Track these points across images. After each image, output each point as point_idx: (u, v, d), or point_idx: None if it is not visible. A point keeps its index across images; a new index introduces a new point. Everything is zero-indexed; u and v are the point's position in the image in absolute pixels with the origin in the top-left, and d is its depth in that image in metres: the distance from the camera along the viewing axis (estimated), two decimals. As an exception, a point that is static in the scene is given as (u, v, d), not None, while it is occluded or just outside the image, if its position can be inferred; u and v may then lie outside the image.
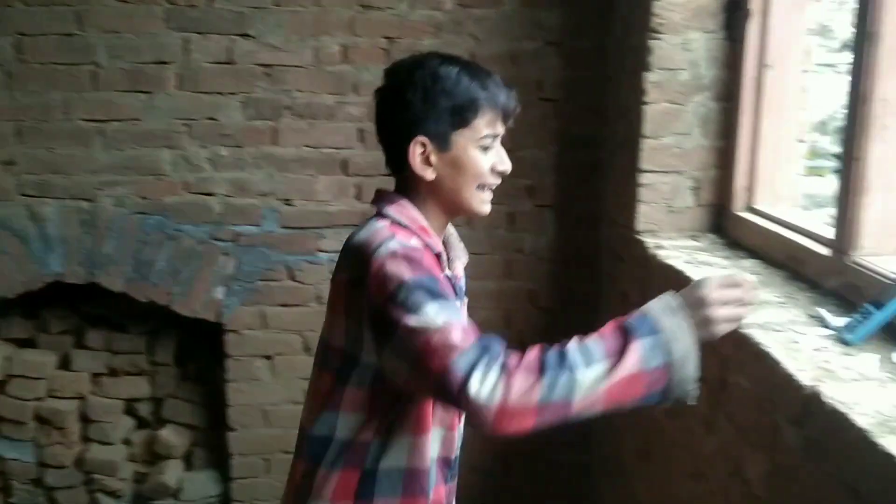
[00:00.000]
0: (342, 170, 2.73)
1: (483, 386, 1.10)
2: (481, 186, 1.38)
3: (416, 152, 1.34)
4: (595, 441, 2.77)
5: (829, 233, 1.74)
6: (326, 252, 2.76)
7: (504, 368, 1.12)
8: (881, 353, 1.37)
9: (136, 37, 2.59)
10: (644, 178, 2.27)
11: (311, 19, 2.62)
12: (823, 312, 1.56)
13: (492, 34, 2.67)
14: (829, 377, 1.29)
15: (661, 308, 1.21)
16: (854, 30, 1.63)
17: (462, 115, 1.34)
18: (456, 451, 1.46)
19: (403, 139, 1.34)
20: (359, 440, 1.34)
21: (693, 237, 2.27)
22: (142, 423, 3.10)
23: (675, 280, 1.95)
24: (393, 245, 1.26)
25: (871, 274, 1.55)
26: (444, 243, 1.45)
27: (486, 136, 1.35)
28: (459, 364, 1.11)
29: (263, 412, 2.86)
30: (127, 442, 3.07)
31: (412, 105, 1.33)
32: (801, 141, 2.32)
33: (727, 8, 2.18)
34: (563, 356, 1.15)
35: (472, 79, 1.34)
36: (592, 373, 1.14)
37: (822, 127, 6.32)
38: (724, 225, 2.27)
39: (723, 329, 1.23)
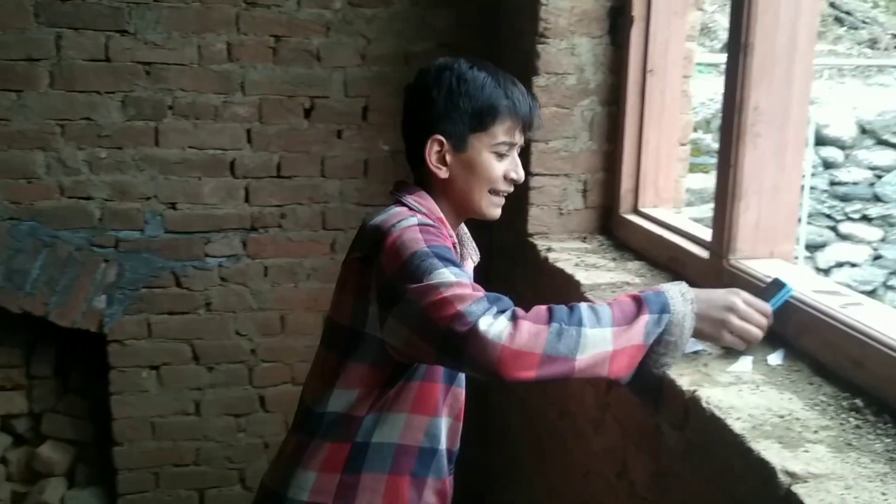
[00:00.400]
0: (230, 171, 2.64)
1: (492, 326, 1.15)
2: (493, 191, 1.44)
3: (432, 149, 1.40)
4: (494, 440, 2.79)
5: (708, 235, 1.79)
6: (215, 257, 2.67)
7: (514, 314, 1.18)
8: (755, 356, 1.42)
9: (3, 32, 2.43)
10: (534, 182, 2.30)
11: (194, 15, 2.52)
12: (703, 315, 1.61)
13: (383, 34, 2.64)
14: (707, 381, 1.33)
15: (677, 292, 1.28)
16: (728, 40, 1.69)
17: (481, 119, 1.40)
18: (458, 444, 1.52)
19: (423, 135, 1.41)
20: (354, 414, 1.38)
21: (582, 239, 2.31)
22: (19, 440, 2.93)
23: (565, 282, 1.98)
24: (412, 220, 1.33)
25: (747, 277, 1.61)
26: (458, 240, 1.50)
27: (502, 143, 1.41)
28: (472, 308, 1.17)
29: (151, 425, 2.75)
30: (3, 461, 2.89)
31: (434, 104, 1.39)
32: (683, 144, 2.40)
33: (611, 14, 2.22)
34: (573, 312, 1.21)
35: (497, 85, 1.40)
36: (600, 333, 1.19)
37: (705, 125, 6.59)
38: (612, 227, 2.32)
39: (729, 339, 1.33)
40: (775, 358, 1.41)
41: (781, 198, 1.67)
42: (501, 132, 1.41)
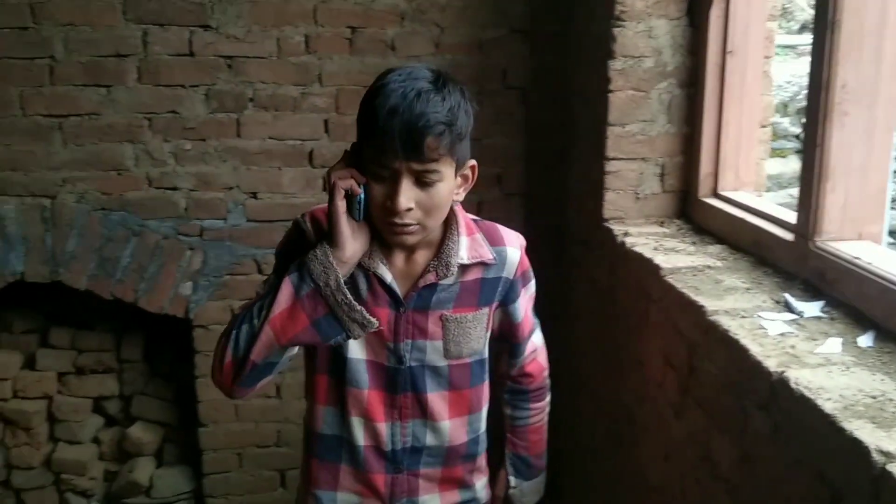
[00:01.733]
0: (308, 161, 2.70)
1: None
2: (382, 214, 1.35)
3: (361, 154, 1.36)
4: (563, 426, 2.79)
5: (792, 218, 1.76)
6: (294, 245, 2.74)
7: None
8: (845, 338, 1.39)
9: (94, 29, 2.53)
10: (610, 166, 2.28)
11: (273, 9, 2.58)
12: (788, 298, 1.59)
13: (456, 22, 2.66)
14: (795, 362, 1.31)
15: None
16: (814, 17, 1.65)
17: (359, 131, 1.35)
18: (391, 446, 1.51)
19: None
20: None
21: (660, 223, 2.29)
22: (111, 422, 3.07)
23: (643, 267, 1.97)
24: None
25: (834, 259, 1.58)
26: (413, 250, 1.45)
27: (373, 164, 1.32)
28: None
29: (234, 407, 2.84)
30: (96, 440, 3.03)
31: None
32: (764, 125, 2.35)
33: (689, -6, 2.19)
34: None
35: (386, 100, 1.27)
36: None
37: (782, 109, 6.41)
38: (691, 211, 2.29)
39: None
40: (865, 340, 1.38)
41: (870, 178, 1.63)
42: (372, 152, 1.31)
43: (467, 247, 1.46)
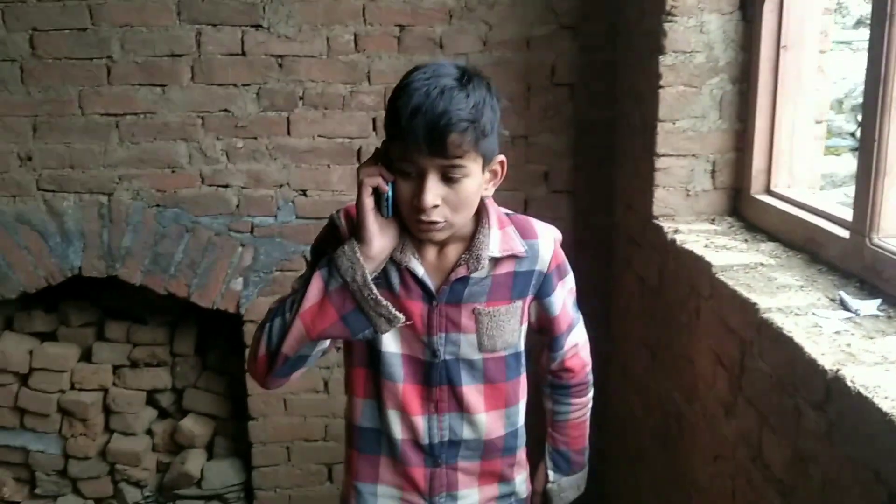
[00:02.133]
0: (357, 159, 2.73)
1: None
2: (409, 211, 1.37)
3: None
4: (611, 425, 2.77)
5: (848, 215, 1.72)
6: (343, 241, 2.77)
7: None
8: (902, 335, 1.36)
9: (149, 30, 2.59)
10: (660, 163, 2.26)
11: (323, 9, 2.61)
12: (844, 295, 1.56)
13: (505, 19, 2.66)
14: (851, 361, 1.29)
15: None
16: (872, 10, 1.61)
17: (386, 130, 1.37)
18: (429, 439, 1.52)
19: None
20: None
21: (710, 221, 2.26)
22: (163, 414, 3.14)
23: (693, 264, 1.95)
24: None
25: (891, 256, 1.54)
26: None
27: (400, 162, 1.34)
28: None
29: (283, 401, 2.88)
30: (149, 432, 3.10)
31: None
32: (819, 122, 2.30)
33: (743, -11, 2.16)
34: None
35: (410, 98, 1.29)
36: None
37: (837, 106, 6.26)
38: (742, 208, 2.26)
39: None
40: (925, 339, 1.35)
41: (930, 174, 1.59)
42: (396, 149, 1.34)
43: (499, 240, 1.46)
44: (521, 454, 1.64)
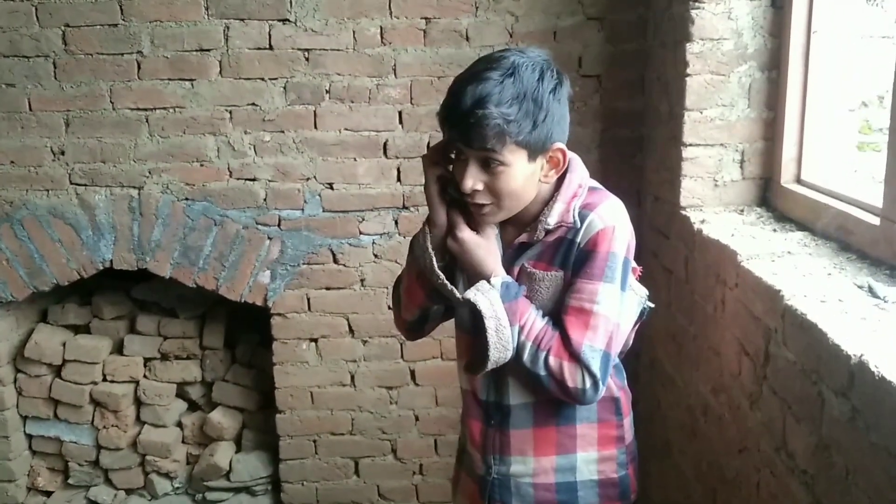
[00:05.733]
0: (383, 152, 2.73)
1: None
2: (460, 194, 1.46)
3: None
4: (639, 417, 2.73)
5: (879, 201, 1.67)
6: (368, 235, 2.77)
7: None
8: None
9: (178, 25, 2.63)
10: (688, 152, 2.22)
11: (349, 2, 2.62)
12: (872, 282, 1.51)
13: (531, 11, 2.64)
14: (875, 347, 1.24)
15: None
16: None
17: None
18: (485, 395, 1.58)
19: None
20: None
21: (739, 211, 2.21)
22: (193, 406, 3.17)
23: (719, 254, 1.91)
24: None
25: (924, 241, 1.50)
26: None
27: (450, 145, 1.46)
28: None
29: (310, 394, 2.89)
30: (179, 424, 3.14)
31: None
32: (852, 110, 2.24)
33: (771, -27, 2.12)
34: None
35: (451, 90, 1.41)
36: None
37: (878, 101, 6.12)
38: (772, 198, 2.21)
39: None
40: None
41: (964, 158, 1.54)
42: (446, 133, 1.44)
43: (559, 212, 1.48)
44: (586, 428, 1.56)
